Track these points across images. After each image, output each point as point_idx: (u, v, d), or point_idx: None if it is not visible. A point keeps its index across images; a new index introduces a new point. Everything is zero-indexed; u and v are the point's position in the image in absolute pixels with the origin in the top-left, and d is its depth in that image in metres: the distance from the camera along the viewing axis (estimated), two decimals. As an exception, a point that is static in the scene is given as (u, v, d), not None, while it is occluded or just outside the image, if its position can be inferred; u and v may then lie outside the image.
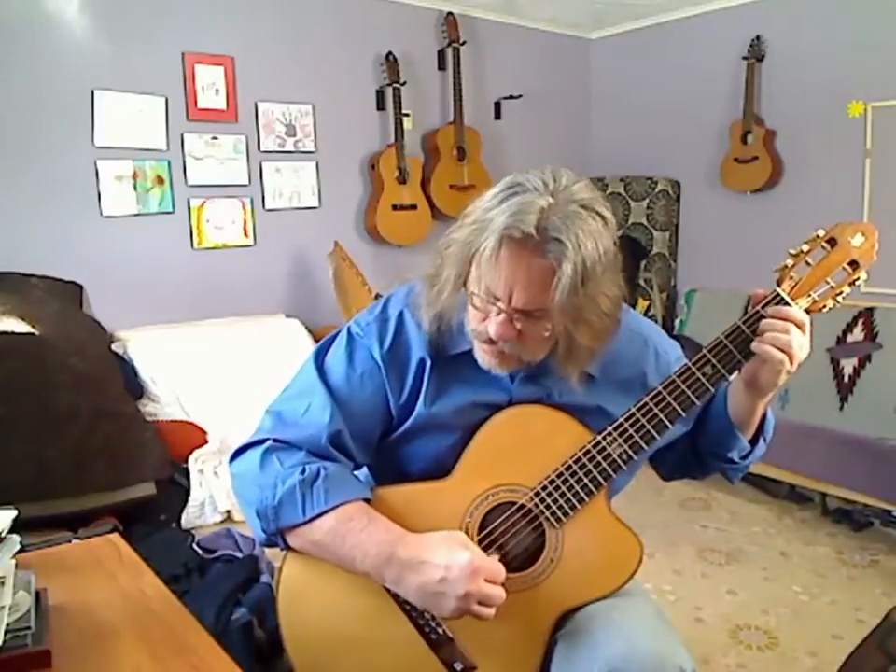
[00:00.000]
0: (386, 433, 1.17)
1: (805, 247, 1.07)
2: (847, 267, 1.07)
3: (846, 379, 3.18)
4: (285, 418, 1.13)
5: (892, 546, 2.77)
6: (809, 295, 1.07)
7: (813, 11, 3.58)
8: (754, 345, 1.04)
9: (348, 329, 1.18)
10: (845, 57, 3.46)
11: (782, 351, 1.01)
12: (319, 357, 1.17)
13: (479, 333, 1.06)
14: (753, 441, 1.21)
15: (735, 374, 1.10)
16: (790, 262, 1.07)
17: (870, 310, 3.20)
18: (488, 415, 1.13)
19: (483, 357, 1.09)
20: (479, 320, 1.05)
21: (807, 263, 1.07)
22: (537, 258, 0.97)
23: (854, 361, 3.17)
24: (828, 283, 1.07)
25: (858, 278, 1.08)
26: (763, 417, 1.20)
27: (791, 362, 1.03)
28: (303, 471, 1.06)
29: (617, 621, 1.05)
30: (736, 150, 3.83)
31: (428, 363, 1.12)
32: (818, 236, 1.08)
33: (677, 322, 4.04)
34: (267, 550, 2.05)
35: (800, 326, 1.03)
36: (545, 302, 0.99)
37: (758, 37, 3.72)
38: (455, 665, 1.07)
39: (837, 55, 3.49)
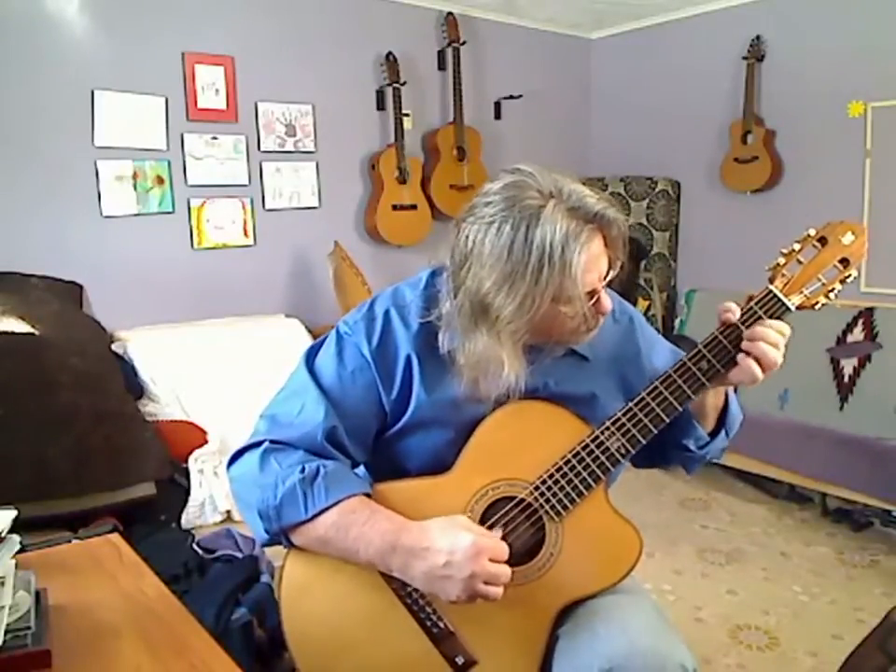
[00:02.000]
0: (382, 430, 1.18)
1: (797, 246, 1.10)
2: (838, 264, 1.10)
3: (846, 379, 3.18)
4: (279, 420, 1.14)
5: (892, 546, 2.77)
6: (801, 292, 1.09)
7: (813, 11, 3.58)
8: (740, 357, 1.06)
9: (337, 329, 1.19)
10: (845, 57, 3.46)
11: (760, 364, 1.05)
12: (310, 359, 1.18)
13: (583, 325, 1.08)
14: (715, 433, 1.22)
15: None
16: (781, 261, 1.10)
17: (870, 310, 3.20)
18: (485, 410, 1.13)
19: (590, 335, 1.12)
20: (580, 316, 1.06)
21: (799, 262, 1.10)
22: (599, 235, 1.04)
23: (854, 361, 3.17)
24: (819, 280, 1.10)
25: (849, 275, 1.11)
26: (726, 410, 1.22)
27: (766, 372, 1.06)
28: (303, 470, 1.07)
29: (619, 618, 1.06)
30: (736, 150, 3.83)
31: (415, 359, 1.14)
32: (809, 235, 1.11)
33: (677, 322, 4.04)
34: (268, 550, 2.06)
35: (781, 338, 1.07)
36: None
37: (758, 37, 3.72)
38: (456, 659, 1.08)
39: (837, 55, 3.49)
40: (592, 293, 1.05)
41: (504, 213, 1.02)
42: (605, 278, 1.07)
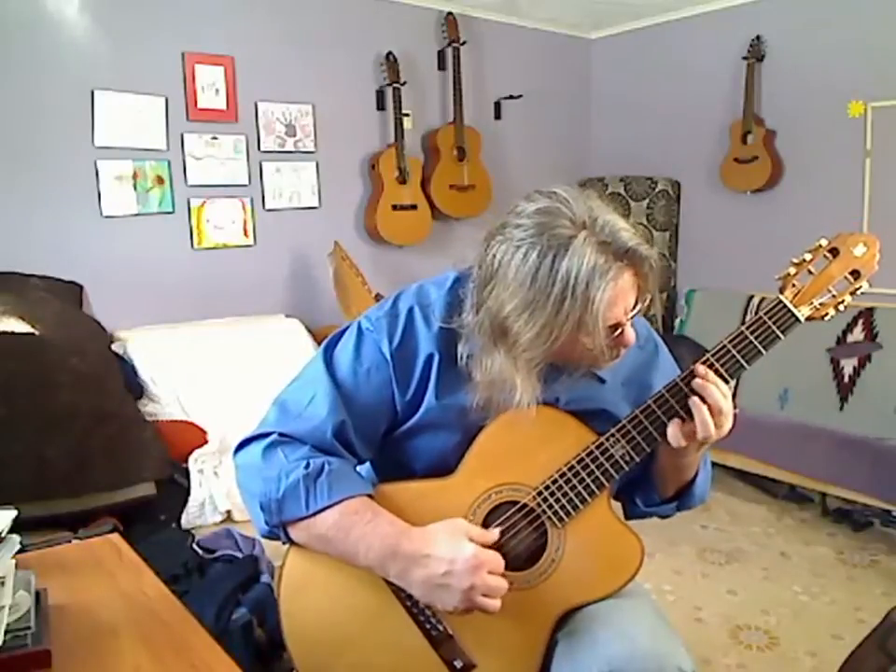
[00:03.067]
0: (391, 429, 1.17)
1: (808, 256, 1.09)
2: (848, 276, 1.09)
3: (846, 379, 3.18)
4: (289, 409, 1.14)
5: (892, 546, 2.77)
6: (811, 303, 1.08)
7: (813, 11, 3.58)
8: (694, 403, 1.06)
9: (359, 323, 1.17)
10: (845, 57, 3.46)
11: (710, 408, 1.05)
12: (328, 350, 1.17)
13: (605, 354, 1.06)
14: (668, 501, 1.23)
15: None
16: (792, 270, 1.09)
17: (870, 310, 3.20)
18: (492, 414, 1.13)
19: (613, 362, 1.10)
20: (599, 351, 1.04)
21: (809, 272, 1.09)
22: (630, 271, 1.02)
23: (854, 361, 3.17)
24: (830, 291, 1.09)
25: (859, 287, 1.10)
26: (690, 485, 1.21)
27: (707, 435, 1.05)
28: (307, 465, 1.06)
29: (618, 621, 1.05)
30: (736, 150, 3.82)
31: (437, 358, 1.12)
32: (820, 246, 1.10)
33: (677, 322, 4.04)
34: (267, 550, 2.06)
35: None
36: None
37: (758, 37, 3.72)
38: (454, 662, 1.08)
39: (837, 55, 3.49)
40: (615, 326, 1.03)
41: (533, 239, 0.99)
42: (632, 310, 1.05)
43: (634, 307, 1.05)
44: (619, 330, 1.04)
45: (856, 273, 1.09)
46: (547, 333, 0.99)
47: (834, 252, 1.09)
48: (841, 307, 1.10)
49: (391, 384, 1.13)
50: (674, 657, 1.01)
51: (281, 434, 1.11)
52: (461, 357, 1.10)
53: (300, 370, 1.20)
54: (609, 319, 1.01)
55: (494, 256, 1.03)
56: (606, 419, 1.15)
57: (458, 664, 1.08)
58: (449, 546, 1.01)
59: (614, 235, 0.99)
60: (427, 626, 1.08)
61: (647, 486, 1.21)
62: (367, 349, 1.14)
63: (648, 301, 1.06)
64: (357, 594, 1.10)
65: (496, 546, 1.06)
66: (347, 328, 1.19)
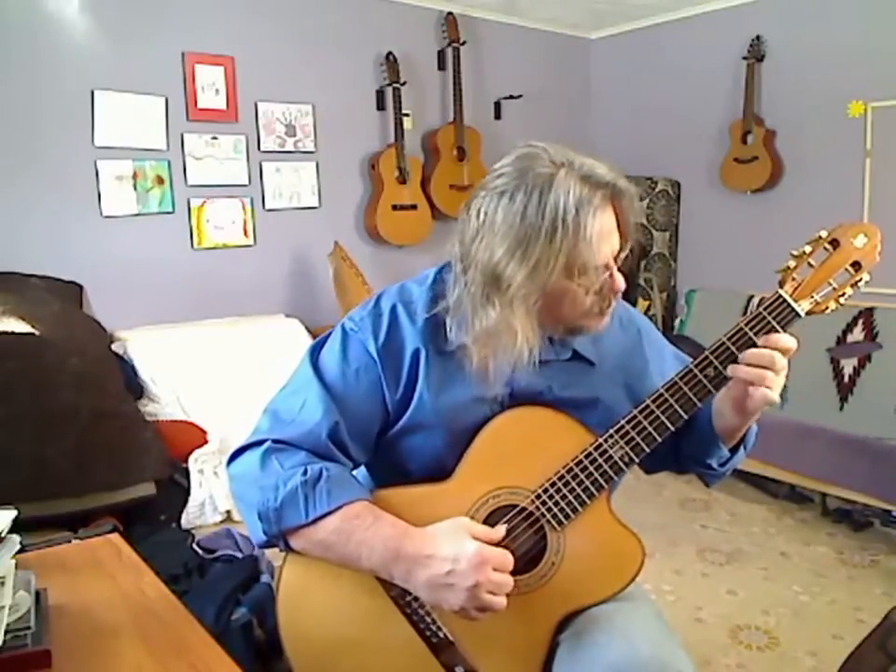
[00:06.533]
0: (384, 430, 1.16)
1: (808, 248, 1.06)
2: (849, 268, 1.06)
3: (846, 379, 3.18)
4: (281, 416, 1.12)
5: (892, 546, 2.77)
6: (812, 297, 1.05)
7: (813, 11, 3.58)
8: (736, 376, 1.04)
9: (342, 324, 1.17)
10: (845, 57, 3.47)
11: (768, 387, 1.04)
12: (314, 354, 1.16)
13: (596, 305, 1.08)
14: (734, 449, 1.21)
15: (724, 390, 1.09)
16: (792, 264, 1.06)
17: (870, 310, 3.20)
18: (489, 411, 1.12)
19: (603, 320, 1.11)
20: (594, 294, 1.06)
21: (810, 265, 1.06)
22: (611, 207, 1.05)
23: (854, 361, 3.17)
24: (830, 284, 1.06)
25: (860, 279, 1.06)
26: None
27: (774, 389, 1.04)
28: (305, 472, 1.05)
29: (619, 625, 1.05)
30: (736, 150, 3.83)
31: (423, 353, 1.12)
32: (820, 237, 1.06)
33: (677, 322, 4.04)
34: (267, 550, 2.06)
35: (785, 352, 1.03)
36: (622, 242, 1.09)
37: (758, 37, 3.73)
38: (455, 668, 1.07)
39: (837, 55, 3.49)
40: (605, 267, 1.05)
41: (516, 181, 1.02)
42: (617, 257, 1.07)
43: (619, 254, 1.07)
44: (608, 273, 1.06)
45: (857, 265, 1.06)
46: (542, 267, 1.01)
47: (835, 243, 1.06)
48: (842, 300, 1.07)
49: (381, 383, 1.12)
50: (675, 662, 1.00)
51: (275, 441, 1.09)
52: (450, 330, 1.09)
53: (287, 378, 1.19)
54: (601, 255, 1.03)
55: (478, 210, 1.05)
56: (601, 408, 1.15)
57: (460, 670, 1.07)
58: (451, 545, 1.00)
59: (592, 170, 1.03)
60: (428, 633, 1.07)
61: (715, 449, 1.18)
62: (353, 350, 1.13)
63: (630, 249, 1.09)
64: (357, 602, 1.08)
65: (501, 544, 1.05)
66: (332, 331, 1.18)
